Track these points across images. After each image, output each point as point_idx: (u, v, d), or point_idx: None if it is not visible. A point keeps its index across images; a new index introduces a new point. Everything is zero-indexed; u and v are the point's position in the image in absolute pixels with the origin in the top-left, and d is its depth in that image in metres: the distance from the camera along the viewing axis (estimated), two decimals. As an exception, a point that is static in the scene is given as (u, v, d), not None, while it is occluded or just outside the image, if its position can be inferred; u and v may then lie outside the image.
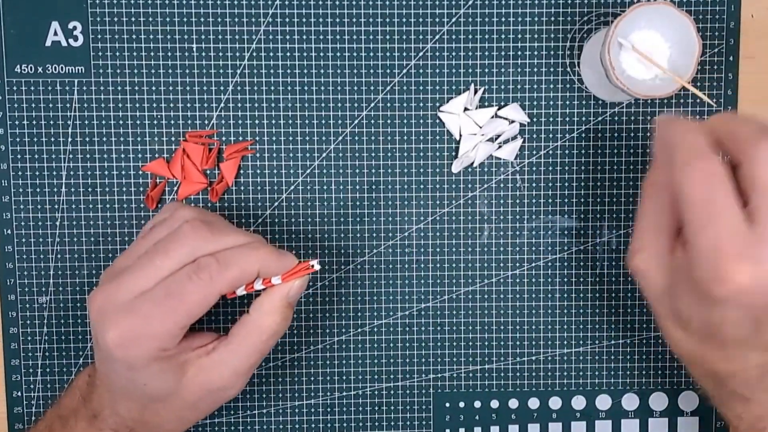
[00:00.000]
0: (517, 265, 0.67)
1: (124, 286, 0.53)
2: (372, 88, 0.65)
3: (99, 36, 0.64)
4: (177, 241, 0.53)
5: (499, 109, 0.65)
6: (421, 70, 0.65)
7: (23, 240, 0.65)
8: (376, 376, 0.68)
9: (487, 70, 0.65)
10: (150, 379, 0.55)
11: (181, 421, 0.58)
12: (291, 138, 0.65)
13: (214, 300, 0.53)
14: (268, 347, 0.56)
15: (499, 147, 0.65)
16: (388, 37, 0.65)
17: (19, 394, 0.66)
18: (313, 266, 0.55)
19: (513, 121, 0.65)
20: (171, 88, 0.65)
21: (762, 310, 0.48)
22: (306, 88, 0.65)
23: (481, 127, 0.65)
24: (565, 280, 0.67)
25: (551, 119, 0.66)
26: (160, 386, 0.55)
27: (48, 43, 0.64)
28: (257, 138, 0.65)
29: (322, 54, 0.65)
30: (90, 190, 0.65)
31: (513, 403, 0.68)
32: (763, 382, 0.53)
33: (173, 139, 0.65)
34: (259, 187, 0.66)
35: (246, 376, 0.57)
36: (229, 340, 0.56)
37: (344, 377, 0.68)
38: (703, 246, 0.48)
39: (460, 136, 0.65)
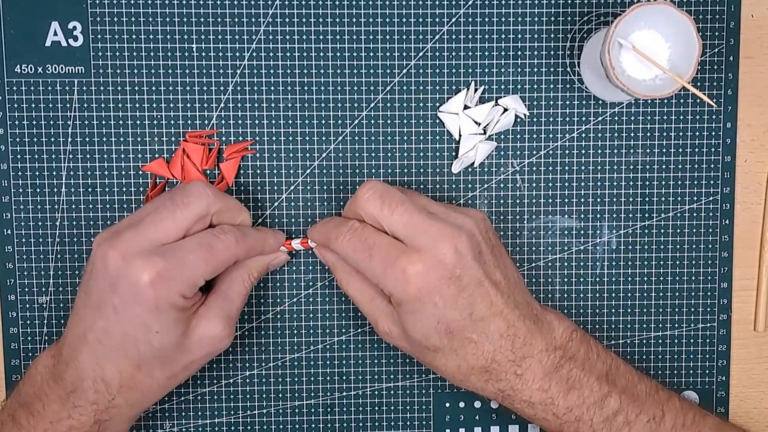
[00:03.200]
0: (517, 264, 0.67)
1: (146, 234, 0.57)
2: (372, 88, 0.65)
3: (99, 36, 0.64)
4: (193, 195, 0.58)
5: (499, 98, 0.65)
6: (421, 70, 0.65)
7: (23, 240, 0.65)
8: (376, 376, 0.68)
9: (487, 70, 0.65)
10: (165, 326, 0.57)
11: (168, 384, 0.60)
12: (291, 138, 0.65)
13: (233, 261, 0.60)
14: (248, 293, 0.62)
15: (484, 132, 0.65)
16: (388, 37, 0.65)
17: (19, 394, 0.66)
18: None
19: (506, 110, 0.65)
20: (171, 88, 0.65)
21: (447, 306, 0.57)
22: (306, 88, 0.65)
23: (479, 124, 0.65)
24: (565, 280, 0.67)
25: (551, 119, 0.66)
26: (170, 335, 0.58)
27: (48, 43, 0.64)
28: (257, 138, 0.65)
29: (322, 54, 0.65)
30: (90, 190, 0.65)
31: (513, 403, 0.68)
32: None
33: (173, 139, 0.65)
34: (259, 187, 0.66)
35: (234, 322, 0.61)
36: (216, 287, 0.61)
37: (344, 377, 0.68)
38: (378, 269, 0.57)
39: (460, 136, 0.65)
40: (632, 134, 0.66)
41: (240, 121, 0.65)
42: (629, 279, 0.67)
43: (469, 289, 0.57)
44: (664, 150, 0.66)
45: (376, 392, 0.68)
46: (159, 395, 0.61)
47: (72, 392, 0.58)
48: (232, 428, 0.68)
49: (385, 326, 0.61)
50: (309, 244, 0.64)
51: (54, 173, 0.65)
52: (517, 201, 0.66)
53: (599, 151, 0.66)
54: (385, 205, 0.57)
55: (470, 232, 0.57)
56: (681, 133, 0.66)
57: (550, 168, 0.66)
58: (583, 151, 0.66)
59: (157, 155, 0.65)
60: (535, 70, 0.65)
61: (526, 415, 0.61)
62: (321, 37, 0.65)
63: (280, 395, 0.68)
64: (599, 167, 0.66)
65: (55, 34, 0.64)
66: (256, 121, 0.65)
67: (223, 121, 0.65)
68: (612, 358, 0.61)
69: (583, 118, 0.66)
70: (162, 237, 0.57)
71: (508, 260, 0.61)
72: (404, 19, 0.65)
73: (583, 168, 0.66)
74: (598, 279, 0.67)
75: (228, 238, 0.59)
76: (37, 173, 0.65)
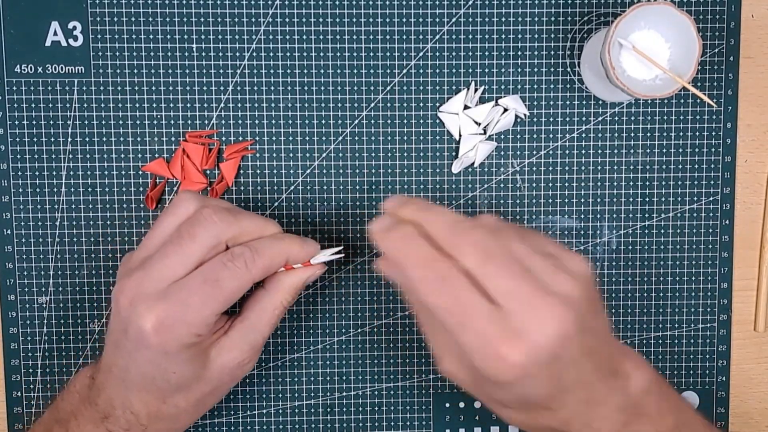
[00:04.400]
0: (517, 265, 0.67)
1: (153, 274, 0.54)
2: (372, 88, 0.65)
3: (99, 36, 0.64)
4: (201, 225, 0.55)
5: (499, 98, 0.65)
6: (421, 70, 0.65)
7: (23, 240, 0.65)
8: (376, 377, 0.68)
9: (487, 70, 0.65)
10: (179, 366, 0.55)
11: (197, 410, 0.59)
12: (291, 138, 0.65)
13: (247, 287, 0.55)
14: (278, 321, 0.59)
15: (484, 132, 0.65)
16: (388, 37, 0.65)
17: (19, 394, 0.66)
18: (340, 251, 0.59)
19: (507, 110, 0.65)
20: (171, 88, 0.65)
21: (546, 373, 0.50)
22: (306, 88, 0.65)
23: (479, 124, 0.65)
24: (565, 280, 0.67)
25: (551, 119, 0.66)
26: (187, 372, 0.56)
27: (48, 43, 0.64)
28: (257, 138, 0.65)
29: (322, 54, 0.65)
30: (90, 190, 0.65)
31: (513, 403, 0.68)
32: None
33: (173, 139, 0.65)
34: (259, 187, 0.66)
35: (260, 349, 0.59)
36: (244, 315, 0.58)
37: (344, 377, 0.68)
38: (472, 344, 0.49)
39: (460, 136, 0.65)
40: (632, 134, 0.66)
41: (240, 121, 0.65)
42: (629, 279, 0.67)
43: (563, 368, 0.51)
44: (664, 150, 0.66)
45: (376, 392, 0.68)
46: (192, 420, 0.60)
47: (105, 418, 0.57)
48: (232, 428, 0.68)
49: (451, 367, 0.53)
50: (309, 263, 0.59)
51: (54, 173, 0.65)
52: (517, 201, 0.66)
53: (599, 151, 0.66)
54: (488, 263, 0.49)
55: (578, 310, 0.50)
56: (681, 133, 0.66)
57: (550, 168, 0.66)
58: (583, 151, 0.66)
59: (157, 155, 0.65)
60: (535, 70, 0.65)
61: None
62: (321, 37, 0.65)
63: (280, 395, 0.68)
64: (599, 167, 0.66)
65: (55, 34, 0.64)
66: (256, 121, 0.65)
67: (223, 121, 0.65)
68: (682, 409, 0.57)
69: (583, 118, 0.66)
70: (169, 275, 0.54)
71: (603, 315, 0.55)
72: (404, 19, 0.65)
73: (583, 168, 0.66)
74: (598, 279, 0.67)
75: (237, 266, 0.54)
76: (37, 173, 0.65)
